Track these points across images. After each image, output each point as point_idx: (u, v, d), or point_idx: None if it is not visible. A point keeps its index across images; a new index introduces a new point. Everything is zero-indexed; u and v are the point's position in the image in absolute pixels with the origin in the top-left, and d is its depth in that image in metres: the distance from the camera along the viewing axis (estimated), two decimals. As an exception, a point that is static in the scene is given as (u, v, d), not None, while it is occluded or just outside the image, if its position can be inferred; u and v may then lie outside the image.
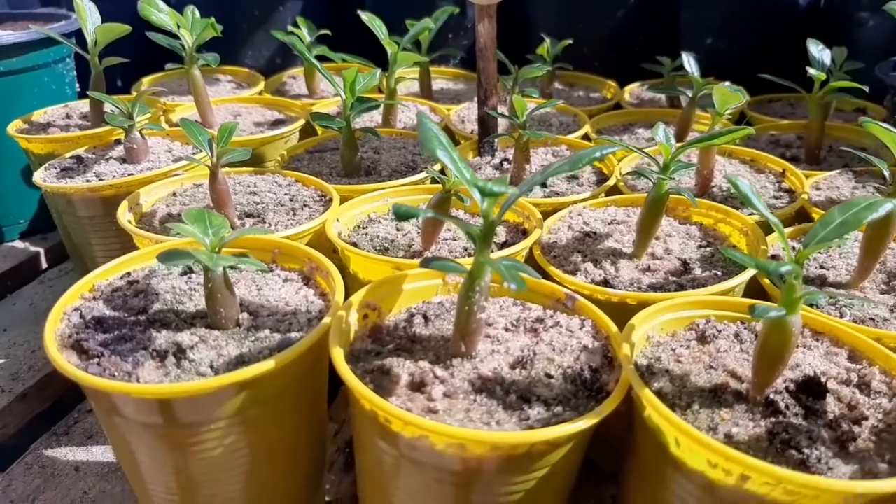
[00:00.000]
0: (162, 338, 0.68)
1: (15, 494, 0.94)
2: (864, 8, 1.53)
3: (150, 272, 0.80)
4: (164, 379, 0.64)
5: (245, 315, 0.72)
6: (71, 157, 1.14)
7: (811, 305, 0.77)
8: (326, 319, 0.69)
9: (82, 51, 1.24)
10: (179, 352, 0.67)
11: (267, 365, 0.63)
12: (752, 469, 0.53)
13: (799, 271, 0.56)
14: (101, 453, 1.00)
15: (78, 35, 1.39)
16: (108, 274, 0.79)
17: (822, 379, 0.65)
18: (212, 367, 0.66)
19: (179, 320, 0.72)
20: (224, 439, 0.67)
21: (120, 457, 0.73)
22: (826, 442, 0.59)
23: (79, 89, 1.61)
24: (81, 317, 0.71)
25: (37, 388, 1.12)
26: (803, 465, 0.56)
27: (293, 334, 0.70)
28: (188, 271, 0.80)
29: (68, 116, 1.35)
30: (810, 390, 0.64)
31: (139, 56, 1.36)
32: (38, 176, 1.08)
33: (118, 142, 1.19)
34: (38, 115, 1.35)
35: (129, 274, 0.80)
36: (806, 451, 0.57)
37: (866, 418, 0.61)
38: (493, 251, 0.82)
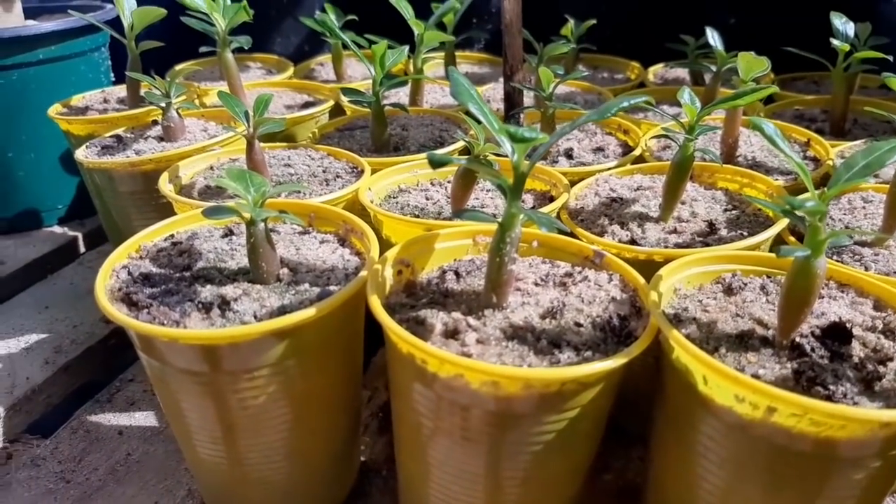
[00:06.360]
0: (207, 291, 0.71)
1: (62, 456, 0.98)
2: (888, -16, 1.53)
3: (192, 234, 0.83)
4: (210, 328, 0.67)
5: (285, 271, 0.75)
6: (111, 137, 1.18)
7: (837, 257, 0.78)
8: (363, 273, 0.71)
9: (120, 36, 1.28)
10: (224, 303, 0.70)
11: (308, 313, 0.66)
12: (778, 400, 0.55)
13: (823, 210, 0.58)
14: (143, 419, 1.04)
15: (114, 24, 1.43)
16: (152, 236, 0.82)
17: (848, 325, 0.66)
18: (255, 317, 0.68)
19: (223, 276, 0.75)
20: (266, 388, 0.70)
21: (167, 410, 0.77)
22: (852, 380, 0.60)
23: (113, 78, 1.66)
24: (129, 273, 0.75)
25: (78, 360, 1.16)
26: (829, 400, 0.57)
27: (332, 287, 0.72)
28: (229, 233, 0.83)
29: (105, 101, 1.40)
30: (836, 335, 0.65)
31: (173, 44, 1.40)
32: (80, 154, 1.12)
33: (155, 122, 1.23)
34: (77, 100, 1.39)
35: (172, 236, 0.83)
36: (832, 387, 0.58)
37: (892, 359, 0.63)
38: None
